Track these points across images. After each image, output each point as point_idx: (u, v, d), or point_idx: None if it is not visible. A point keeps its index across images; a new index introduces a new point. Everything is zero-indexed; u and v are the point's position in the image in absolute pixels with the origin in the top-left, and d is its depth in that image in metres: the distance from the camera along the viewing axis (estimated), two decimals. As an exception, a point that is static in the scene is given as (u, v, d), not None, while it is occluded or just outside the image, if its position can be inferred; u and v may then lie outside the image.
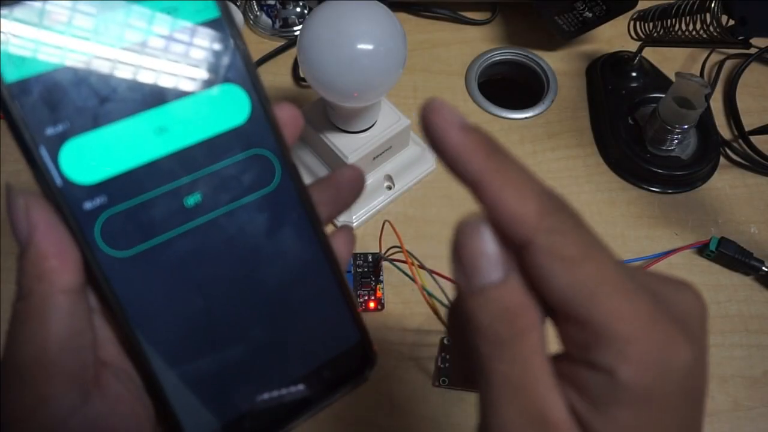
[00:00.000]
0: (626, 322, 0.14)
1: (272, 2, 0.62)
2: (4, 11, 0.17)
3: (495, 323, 0.15)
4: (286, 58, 0.59)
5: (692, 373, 0.15)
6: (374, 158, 0.48)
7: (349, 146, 0.46)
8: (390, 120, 0.48)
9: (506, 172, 0.15)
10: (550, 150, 0.54)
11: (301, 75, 0.57)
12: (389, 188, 0.50)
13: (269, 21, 0.62)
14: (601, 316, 0.15)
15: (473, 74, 0.58)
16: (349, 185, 0.23)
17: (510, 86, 0.62)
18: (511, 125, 0.55)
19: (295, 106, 0.21)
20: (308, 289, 0.21)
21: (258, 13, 0.62)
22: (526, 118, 0.56)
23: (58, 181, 0.18)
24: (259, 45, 0.60)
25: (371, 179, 0.49)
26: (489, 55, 0.60)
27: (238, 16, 0.57)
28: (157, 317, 0.19)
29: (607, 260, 0.15)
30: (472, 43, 0.61)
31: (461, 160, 0.16)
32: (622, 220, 0.50)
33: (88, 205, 0.18)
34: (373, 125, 0.47)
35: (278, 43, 0.60)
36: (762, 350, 0.44)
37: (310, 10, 0.60)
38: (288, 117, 0.21)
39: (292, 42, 0.60)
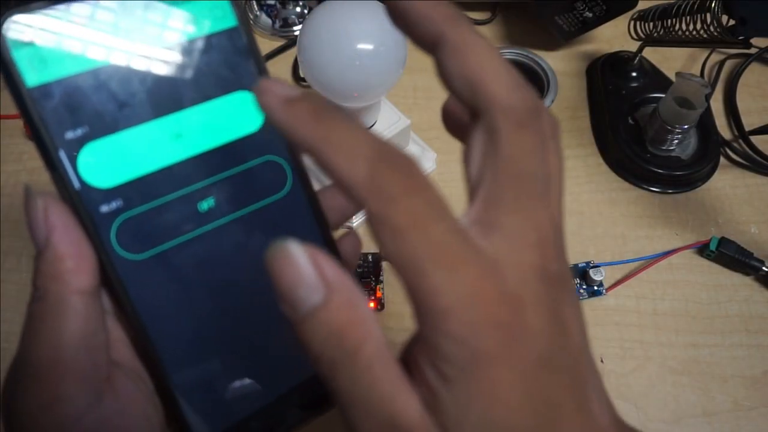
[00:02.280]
0: (445, 295, 0.14)
1: (272, 2, 0.62)
2: (26, 16, 0.17)
3: (325, 348, 0.15)
4: (286, 58, 0.59)
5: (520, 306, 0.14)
6: (374, 158, 0.48)
7: (349, 146, 0.46)
8: (390, 120, 0.48)
9: (334, 136, 0.15)
10: (550, 150, 0.54)
11: (301, 75, 0.57)
12: (389, 188, 0.50)
13: (269, 21, 0.62)
14: (424, 290, 0.14)
15: (473, 74, 0.58)
16: None
17: (510, 86, 0.62)
18: (511, 125, 0.55)
19: None
20: None
21: (258, 13, 0.62)
22: (526, 118, 0.56)
23: (76, 184, 0.18)
24: (259, 45, 0.60)
25: (371, 179, 0.49)
26: (489, 55, 0.60)
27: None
28: (169, 320, 0.19)
29: (435, 227, 0.14)
30: (472, 43, 0.61)
31: (291, 134, 0.15)
32: (622, 220, 0.50)
33: (104, 209, 0.18)
34: (373, 125, 0.47)
35: (278, 43, 0.60)
36: (762, 350, 0.44)
37: (310, 10, 0.60)
38: None
39: (292, 42, 0.60)
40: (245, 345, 0.20)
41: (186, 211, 0.19)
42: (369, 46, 0.39)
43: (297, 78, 0.58)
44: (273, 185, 0.21)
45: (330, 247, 0.22)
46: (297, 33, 0.60)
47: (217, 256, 0.20)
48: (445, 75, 0.16)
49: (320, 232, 0.21)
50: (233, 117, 0.20)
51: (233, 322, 0.20)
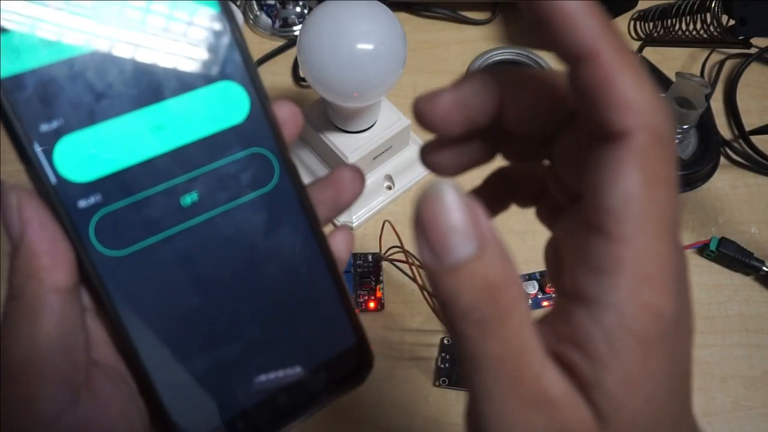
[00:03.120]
0: (650, 261, 0.14)
1: (272, 2, 0.62)
2: None
3: (477, 302, 0.14)
4: (286, 58, 0.59)
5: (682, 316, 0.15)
6: (374, 158, 0.48)
7: (349, 146, 0.46)
8: (390, 120, 0.48)
9: (628, 54, 0.14)
10: (550, 150, 0.54)
11: (301, 75, 0.57)
12: (389, 188, 0.50)
13: (269, 21, 0.62)
14: (635, 242, 0.14)
15: (473, 74, 0.58)
16: (349, 185, 0.22)
17: (510, 86, 0.62)
18: (511, 125, 0.55)
19: (294, 104, 0.21)
20: (306, 290, 0.21)
21: (258, 13, 0.62)
22: (526, 118, 0.56)
23: (52, 178, 0.17)
24: (259, 45, 0.60)
25: (371, 179, 0.49)
26: (489, 55, 0.60)
27: (238, 15, 0.57)
28: (151, 318, 0.19)
29: (674, 204, 0.14)
30: (472, 43, 0.61)
31: (581, 25, 0.14)
32: (622, 220, 0.50)
33: (82, 204, 0.18)
34: (373, 125, 0.47)
35: (278, 43, 0.60)
36: (762, 350, 0.44)
37: (310, 10, 0.60)
38: (288, 115, 0.21)
39: (292, 42, 0.60)
40: (230, 343, 0.20)
41: (168, 205, 0.19)
42: (369, 46, 0.39)
43: (297, 78, 0.58)
44: (259, 178, 0.20)
45: (320, 242, 0.21)
46: (297, 33, 0.60)
47: (200, 251, 0.19)
48: (580, 93, 0.15)
49: (309, 227, 0.21)
50: (217, 107, 0.19)
51: (217, 319, 0.20)
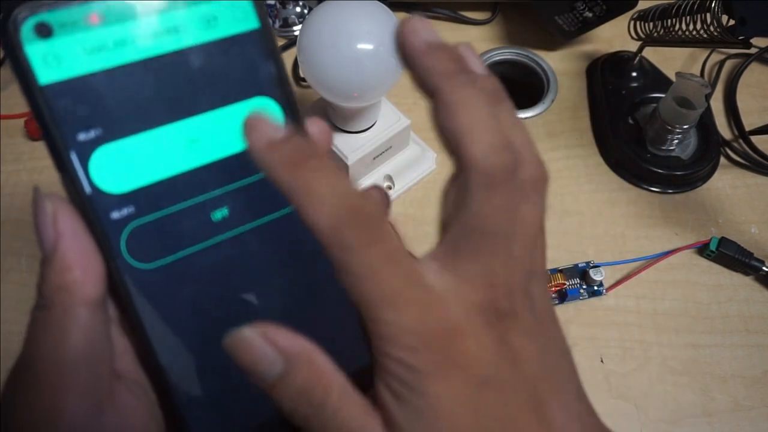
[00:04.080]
0: (390, 325, 0.16)
1: (272, 2, 0.62)
2: (43, 11, 0.16)
3: (296, 406, 0.16)
4: (286, 58, 0.59)
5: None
6: (374, 158, 0.48)
7: (349, 146, 0.46)
8: (390, 120, 0.48)
9: (306, 185, 0.16)
10: (551, 150, 0.54)
11: (301, 75, 0.57)
12: (389, 188, 0.50)
13: (269, 21, 0.61)
14: (374, 323, 0.16)
15: (473, 74, 0.58)
16: (318, 139, 0.23)
17: (510, 86, 0.61)
18: (511, 125, 0.55)
19: (324, 120, 0.21)
20: (328, 308, 0.21)
21: (258, 13, 0.62)
22: (526, 118, 0.56)
23: (87, 188, 0.17)
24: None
25: (371, 179, 0.49)
26: (489, 55, 0.60)
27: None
28: (176, 332, 0.19)
29: (387, 272, 0.16)
30: (472, 43, 0.61)
31: (270, 176, 0.16)
32: (622, 220, 0.50)
33: (115, 215, 0.18)
34: (373, 125, 0.47)
35: (278, 43, 0.60)
36: (762, 350, 0.44)
37: (310, 10, 0.60)
38: (318, 132, 0.21)
39: (292, 42, 0.60)
40: None
41: (199, 220, 0.19)
42: (369, 46, 0.39)
43: (297, 78, 0.58)
44: None
45: None
46: (297, 33, 0.60)
47: (228, 267, 0.19)
48: (435, 125, 0.17)
49: None
50: None
51: None
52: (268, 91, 0.19)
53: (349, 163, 0.46)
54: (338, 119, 0.46)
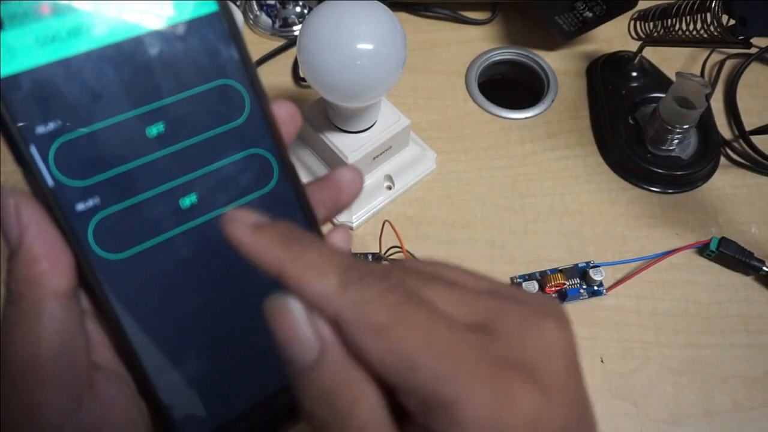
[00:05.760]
0: (450, 383, 0.14)
1: (272, 2, 0.62)
2: None
3: (316, 407, 0.15)
4: (286, 58, 0.59)
5: (542, 419, 0.14)
6: (374, 158, 0.48)
7: (349, 146, 0.46)
8: (390, 120, 0.48)
9: (303, 257, 0.15)
10: (551, 150, 0.54)
11: (301, 75, 0.57)
12: (389, 188, 0.50)
13: (269, 21, 0.62)
14: (424, 382, 0.14)
15: (473, 74, 0.58)
16: (348, 185, 0.22)
17: (510, 86, 0.62)
18: (511, 125, 0.55)
19: (293, 103, 0.21)
20: None
21: (258, 13, 0.62)
22: (526, 118, 0.56)
23: (50, 181, 0.17)
24: (258, 45, 0.60)
25: (371, 179, 0.49)
26: (489, 55, 0.60)
27: (238, 15, 0.57)
28: (150, 320, 0.19)
29: (421, 317, 0.14)
30: (472, 43, 0.61)
31: (260, 259, 0.16)
32: (622, 220, 0.50)
33: (80, 207, 0.17)
34: (373, 125, 0.47)
35: (278, 43, 0.60)
36: (762, 350, 0.44)
37: (310, 10, 0.60)
38: (286, 115, 0.21)
39: (292, 42, 0.60)
40: (230, 344, 0.20)
41: (167, 208, 0.19)
42: (369, 46, 0.39)
43: (297, 78, 0.58)
44: (259, 180, 0.20)
45: None
46: (297, 33, 0.60)
47: (199, 254, 0.19)
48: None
49: (309, 228, 0.21)
50: (216, 108, 0.19)
51: (216, 321, 0.20)
52: (231, 75, 0.19)
53: (349, 162, 0.46)
54: (338, 119, 0.46)
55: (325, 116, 0.47)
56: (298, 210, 0.21)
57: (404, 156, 0.51)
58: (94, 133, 0.17)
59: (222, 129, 0.19)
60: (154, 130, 0.18)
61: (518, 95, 0.59)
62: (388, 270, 0.16)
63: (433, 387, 0.14)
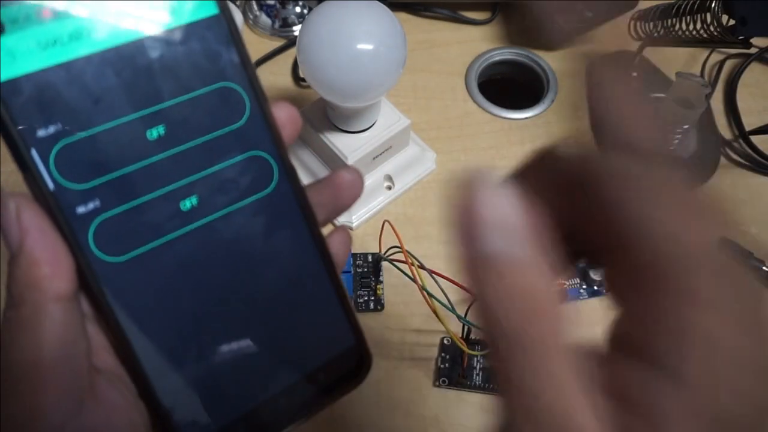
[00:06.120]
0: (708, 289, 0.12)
1: (272, 2, 0.62)
2: None
3: (510, 313, 0.12)
4: (286, 58, 0.59)
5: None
6: (374, 158, 0.48)
7: (349, 146, 0.46)
8: (390, 120, 0.48)
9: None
10: (550, 150, 0.54)
11: (301, 75, 0.57)
12: (389, 188, 0.50)
13: (269, 21, 0.61)
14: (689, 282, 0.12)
15: (473, 74, 0.58)
16: (348, 187, 0.22)
17: (510, 86, 0.62)
18: (511, 125, 0.55)
19: (292, 105, 0.21)
20: (305, 293, 0.21)
21: (257, 13, 0.62)
22: (526, 118, 0.56)
23: (51, 185, 0.17)
24: (258, 45, 0.60)
25: (371, 179, 0.49)
26: (489, 55, 0.60)
27: (237, 16, 0.57)
28: (151, 323, 0.19)
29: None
30: (472, 43, 0.61)
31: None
32: (622, 220, 0.50)
33: (81, 210, 0.17)
34: (373, 125, 0.47)
35: (278, 43, 0.60)
36: (762, 350, 0.44)
37: (310, 10, 0.60)
38: (286, 117, 0.21)
39: (292, 42, 0.60)
40: (231, 346, 0.20)
41: (168, 210, 0.19)
42: (369, 46, 0.39)
43: (297, 78, 0.58)
44: (259, 181, 0.20)
45: (319, 244, 0.21)
46: (297, 33, 0.60)
47: (200, 256, 0.19)
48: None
49: (308, 229, 0.21)
50: (216, 110, 0.19)
51: (217, 322, 0.20)
52: (231, 77, 0.19)
53: (349, 163, 0.46)
54: (338, 119, 0.46)
55: (325, 116, 0.47)
56: (298, 211, 0.21)
57: (404, 156, 0.51)
58: (94, 136, 0.17)
59: (222, 131, 0.19)
60: (155, 132, 0.18)
61: (518, 95, 0.59)
62: None
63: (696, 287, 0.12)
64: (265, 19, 0.61)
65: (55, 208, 0.17)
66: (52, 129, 0.17)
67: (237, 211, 0.20)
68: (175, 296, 0.19)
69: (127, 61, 0.18)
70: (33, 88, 0.17)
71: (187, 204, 0.19)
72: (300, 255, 0.21)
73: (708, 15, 0.43)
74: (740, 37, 0.42)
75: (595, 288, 0.46)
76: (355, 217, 0.49)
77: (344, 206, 0.22)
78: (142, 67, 0.18)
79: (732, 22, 0.42)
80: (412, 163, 0.51)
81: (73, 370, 0.17)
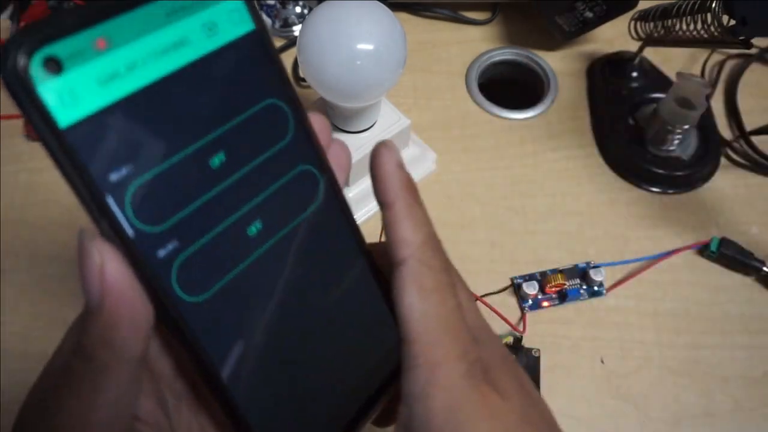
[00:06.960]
0: (439, 348, 0.18)
1: (272, 2, 0.62)
2: (49, 44, 0.14)
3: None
4: (286, 58, 0.59)
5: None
6: (374, 158, 0.48)
7: (349, 146, 0.46)
8: (390, 120, 0.48)
9: (413, 207, 0.20)
10: (551, 150, 0.54)
11: (301, 75, 0.57)
12: (389, 188, 0.50)
13: (269, 21, 0.61)
14: (423, 339, 0.18)
15: (473, 74, 0.58)
16: (339, 153, 0.22)
17: (510, 86, 0.62)
18: (511, 125, 0.55)
19: (323, 114, 0.21)
20: (362, 298, 0.21)
21: (258, 13, 0.62)
22: (526, 118, 0.56)
23: (130, 231, 0.16)
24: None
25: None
26: (489, 55, 0.60)
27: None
28: (239, 356, 0.18)
29: (449, 301, 0.19)
30: (472, 43, 0.61)
31: (389, 184, 0.20)
32: (622, 220, 0.50)
33: (161, 253, 0.16)
34: (373, 125, 0.47)
35: (278, 43, 0.60)
36: (763, 351, 0.44)
37: (310, 10, 0.60)
38: (320, 127, 0.21)
39: (292, 42, 0.60)
40: (315, 364, 0.20)
41: (238, 238, 0.18)
42: (369, 46, 0.39)
43: (297, 78, 0.58)
44: (309, 195, 0.20)
45: (362, 244, 0.21)
46: (297, 33, 0.60)
47: (271, 279, 0.19)
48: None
49: (355, 236, 0.21)
50: (266, 129, 0.18)
51: (299, 342, 0.19)
52: (275, 93, 0.19)
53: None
54: (338, 119, 0.46)
55: (325, 116, 0.47)
56: (344, 218, 0.21)
57: (404, 156, 0.51)
58: (163, 172, 0.16)
59: (274, 149, 0.19)
60: (217, 160, 0.17)
61: (518, 95, 0.59)
62: (448, 261, 0.21)
63: (426, 347, 0.18)
64: (265, 19, 0.61)
65: (137, 255, 0.16)
66: (123, 171, 0.15)
67: (296, 228, 0.19)
68: (256, 323, 0.18)
69: (182, 88, 0.17)
70: (99, 129, 0.15)
71: (253, 229, 0.18)
72: (351, 260, 0.21)
73: (708, 15, 0.43)
74: (741, 38, 0.42)
75: (596, 288, 0.46)
76: (356, 216, 0.48)
77: (347, 166, 0.23)
78: (195, 92, 0.17)
79: (732, 22, 0.42)
80: (412, 163, 0.51)
81: (119, 427, 0.17)
